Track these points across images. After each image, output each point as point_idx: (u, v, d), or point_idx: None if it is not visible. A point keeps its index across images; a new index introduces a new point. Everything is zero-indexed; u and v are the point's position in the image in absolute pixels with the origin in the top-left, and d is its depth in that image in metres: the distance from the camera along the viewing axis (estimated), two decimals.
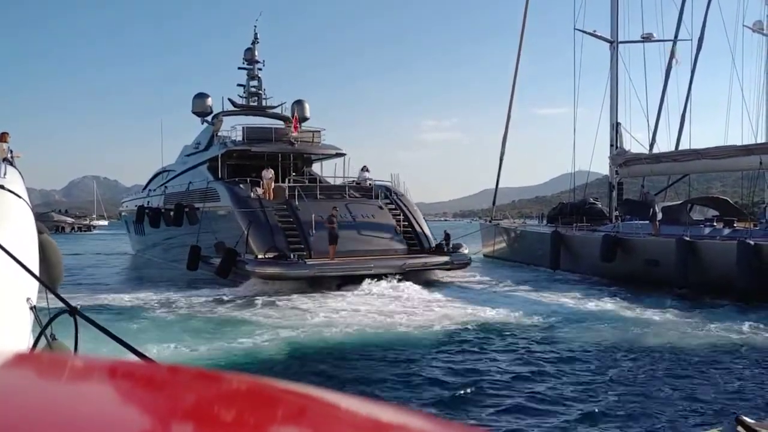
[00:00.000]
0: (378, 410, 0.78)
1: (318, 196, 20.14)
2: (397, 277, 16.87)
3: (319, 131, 24.28)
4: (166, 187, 26.64)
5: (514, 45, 28.10)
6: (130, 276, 23.10)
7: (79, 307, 2.22)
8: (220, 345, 10.05)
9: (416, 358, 9.31)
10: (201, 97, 26.47)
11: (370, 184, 21.79)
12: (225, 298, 15.26)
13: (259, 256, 17.09)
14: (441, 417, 0.69)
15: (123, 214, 36.61)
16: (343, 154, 23.90)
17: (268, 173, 20.63)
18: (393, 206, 20.53)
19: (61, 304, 2.21)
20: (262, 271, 16.54)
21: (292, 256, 17.06)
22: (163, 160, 30.23)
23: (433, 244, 19.71)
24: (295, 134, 23.06)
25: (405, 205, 20.87)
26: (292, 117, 24.49)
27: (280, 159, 23.69)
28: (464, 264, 19.27)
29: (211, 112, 26.30)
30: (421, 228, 20.23)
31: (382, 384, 7.91)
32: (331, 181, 23.48)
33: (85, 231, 79.64)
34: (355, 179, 22.46)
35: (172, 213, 22.77)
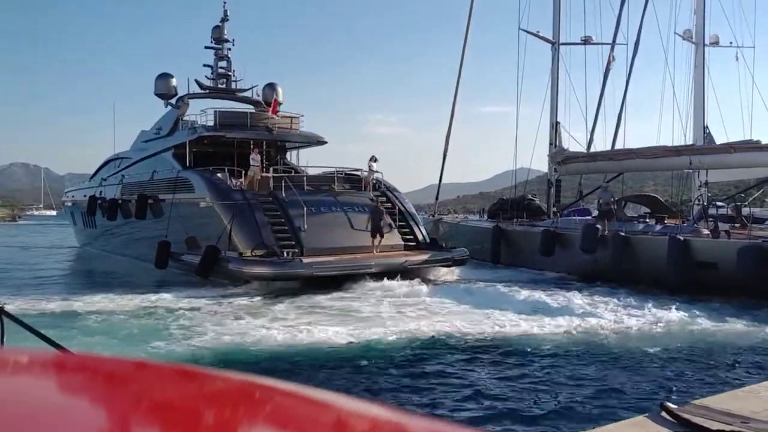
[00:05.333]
0: (359, 406, 0.74)
1: (305, 188, 18.57)
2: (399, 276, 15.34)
3: (298, 117, 22.60)
4: (123, 175, 24.46)
5: (461, 37, 28.31)
6: (81, 272, 21.34)
7: (4, 306, 2.06)
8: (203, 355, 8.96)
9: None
10: (164, 77, 24.25)
11: (375, 177, 20.02)
12: (214, 300, 13.40)
13: (245, 254, 15.54)
14: (426, 414, 0.63)
15: (67, 204, 34.27)
16: (324, 142, 22.72)
17: (257, 157, 18.50)
18: (384, 199, 18.91)
19: None
20: (250, 271, 14.89)
21: (285, 254, 15.33)
22: (116, 147, 28.22)
23: (428, 240, 18.66)
24: (275, 116, 21.41)
25: (398, 200, 19.40)
26: (265, 103, 22.94)
27: (254, 147, 21.54)
28: (464, 260, 18.07)
29: (176, 94, 24.08)
30: (416, 223, 19.09)
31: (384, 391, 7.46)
32: (310, 171, 21.74)
33: (9, 221, 75.62)
34: (345, 170, 20.66)
35: (131, 204, 21.17)
